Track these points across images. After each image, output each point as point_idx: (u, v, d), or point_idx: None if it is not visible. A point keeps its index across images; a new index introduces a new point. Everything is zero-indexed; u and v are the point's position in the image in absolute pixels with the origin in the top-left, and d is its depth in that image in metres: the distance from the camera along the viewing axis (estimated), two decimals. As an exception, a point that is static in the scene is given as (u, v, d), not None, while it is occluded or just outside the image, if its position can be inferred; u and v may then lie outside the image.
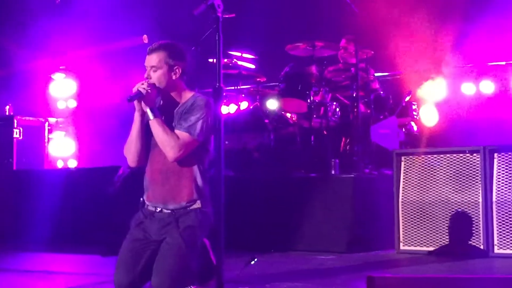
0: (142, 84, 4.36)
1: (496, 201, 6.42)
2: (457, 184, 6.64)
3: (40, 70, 11.65)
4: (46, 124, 10.51)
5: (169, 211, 4.38)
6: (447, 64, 9.65)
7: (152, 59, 4.42)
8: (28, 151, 10.00)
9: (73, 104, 11.75)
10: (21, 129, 9.89)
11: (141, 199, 4.54)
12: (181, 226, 4.32)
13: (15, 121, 9.85)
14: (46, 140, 10.47)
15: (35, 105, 11.40)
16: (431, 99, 9.57)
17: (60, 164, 11.06)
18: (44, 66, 11.64)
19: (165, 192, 4.40)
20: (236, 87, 9.74)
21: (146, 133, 4.44)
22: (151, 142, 4.45)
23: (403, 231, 6.84)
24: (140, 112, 4.41)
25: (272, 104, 8.70)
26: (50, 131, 10.64)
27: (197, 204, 4.37)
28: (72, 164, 11.20)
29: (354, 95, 8.25)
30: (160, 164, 4.42)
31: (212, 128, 4.43)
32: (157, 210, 4.42)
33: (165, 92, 4.48)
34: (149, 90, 4.33)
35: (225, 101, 9.43)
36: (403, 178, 6.92)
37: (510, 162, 6.44)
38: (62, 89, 11.73)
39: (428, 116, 9.59)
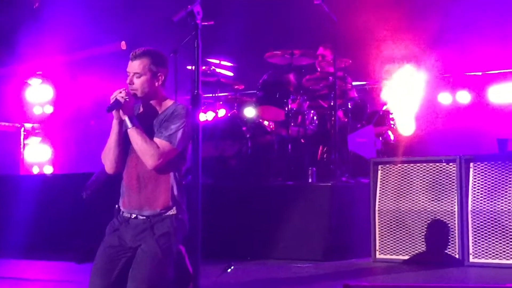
0: (120, 92, 4.28)
1: (471, 211, 6.46)
2: (433, 193, 6.68)
3: (16, 75, 11.56)
4: (22, 129, 10.43)
5: (144, 217, 4.35)
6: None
7: (136, 65, 4.35)
8: (4, 156, 9.93)
9: (49, 109, 11.67)
10: (-4, 135, 9.82)
11: (116, 206, 4.50)
12: (156, 233, 4.29)
13: (-10, 126, 9.78)
14: (21, 145, 10.39)
15: (11, 111, 11.30)
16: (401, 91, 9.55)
17: (35, 170, 10.98)
18: (20, 71, 11.55)
19: (141, 198, 4.36)
20: (214, 95, 9.74)
21: (124, 140, 4.38)
22: (128, 148, 4.40)
23: (379, 239, 6.86)
24: (118, 120, 4.34)
25: (250, 111, 8.71)
26: (26, 137, 10.56)
27: (173, 211, 4.34)
28: (48, 170, 11.12)
29: (332, 103, 8.27)
30: (137, 170, 4.38)
31: (190, 136, 4.41)
32: (132, 217, 4.38)
33: (145, 99, 4.42)
34: (127, 99, 4.26)
35: (203, 108, 9.41)
36: (380, 187, 6.95)
37: (485, 172, 6.49)
38: (39, 95, 11.65)
39: (404, 125, 9.63)
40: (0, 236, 8.42)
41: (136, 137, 4.29)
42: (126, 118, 4.31)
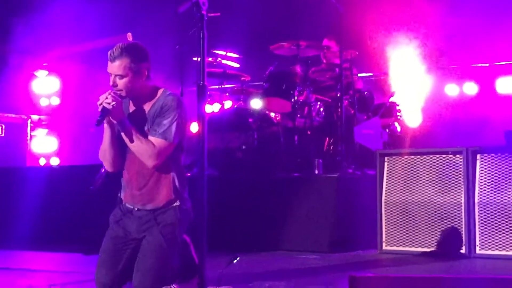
0: (106, 98, 4.20)
1: (478, 202, 6.44)
2: (440, 185, 6.66)
3: (23, 67, 11.57)
4: (29, 121, 10.44)
5: (147, 210, 4.35)
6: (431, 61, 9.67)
7: (116, 67, 4.25)
8: (10, 148, 9.93)
9: (56, 101, 11.68)
10: (3, 126, 9.82)
11: (119, 195, 4.48)
12: (160, 224, 4.29)
13: (-3, 118, 9.79)
14: (28, 137, 10.40)
15: (18, 102, 11.31)
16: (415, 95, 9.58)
17: (42, 162, 10.99)
18: (27, 63, 11.56)
19: (143, 195, 4.34)
20: (220, 86, 9.72)
21: (119, 138, 4.32)
22: (126, 145, 4.32)
23: (385, 231, 6.86)
24: (110, 123, 4.28)
25: (256, 103, 8.69)
26: (32, 129, 10.57)
27: (176, 203, 4.33)
28: (54, 161, 11.14)
29: (338, 95, 8.26)
30: (136, 166, 4.34)
31: (185, 126, 4.38)
32: (136, 209, 4.38)
33: (133, 96, 4.34)
34: (114, 104, 4.18)
35: (209, 99, 9.40)
36: (386, 179, 6.93)
37: (492, 163, 6.47)
38: (45, 86, 11.66)
39: (411, 117, 9.62)
40: (7, 228, 8.43)
41: (131, 140, 4.24)
42: (118, 123, 4.24)
